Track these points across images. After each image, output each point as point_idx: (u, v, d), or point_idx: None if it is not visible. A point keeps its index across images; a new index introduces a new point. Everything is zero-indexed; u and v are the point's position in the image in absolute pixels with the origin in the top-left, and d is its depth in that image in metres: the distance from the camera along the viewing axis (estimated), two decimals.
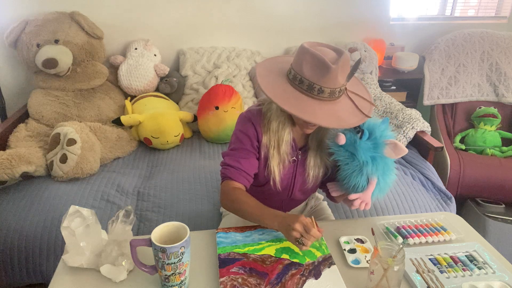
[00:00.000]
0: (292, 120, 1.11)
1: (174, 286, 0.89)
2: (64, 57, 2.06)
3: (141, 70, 2.29)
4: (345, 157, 1.06)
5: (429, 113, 2.64)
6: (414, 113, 2.10)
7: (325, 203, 1.45)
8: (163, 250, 0.83)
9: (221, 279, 0.93)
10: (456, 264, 1.00)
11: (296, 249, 1.03)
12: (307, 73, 0.96)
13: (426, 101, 2.54)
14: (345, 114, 0.99)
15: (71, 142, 1.74)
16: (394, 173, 1.12)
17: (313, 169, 1.15)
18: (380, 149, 1.05)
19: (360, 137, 1.04)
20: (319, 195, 1.47)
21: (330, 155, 1.10)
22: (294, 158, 1.15)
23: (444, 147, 2.22)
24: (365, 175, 1.06)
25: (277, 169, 1.13)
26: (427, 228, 1.14)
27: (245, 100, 2.35)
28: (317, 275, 0.95)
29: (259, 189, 1.22)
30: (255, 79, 2.42)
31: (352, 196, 1.07)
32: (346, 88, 1.03)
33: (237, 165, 1.12)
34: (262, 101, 1.16)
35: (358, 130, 1.04)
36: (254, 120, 1.12)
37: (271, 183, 1.15)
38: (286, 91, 0.99)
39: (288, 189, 1.21)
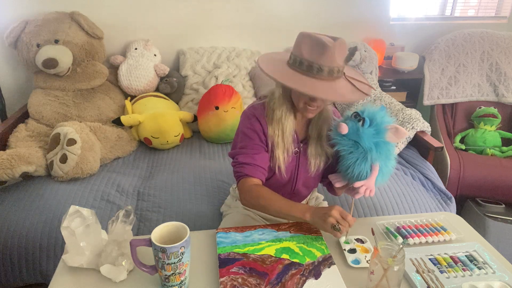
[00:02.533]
0: (294, 108, 1.14)
1: (174, 286, 0.89)
2: (64, 57, 2.06)
3: (141, 70, 2.29)
4: (349, 146, 1.08)
5: (429, 113, 2.64)
6: (414, 113, 2.10)
7: (325, 203, 1.45)
8: (163, 250, 0.83)
9: (221, 279, 0.93)
10: (456, 264, 1.00)
11: (296, 249, 1.03)
12: (306, 54, 1.00)
13: (426, 101, 2.54)
14: (344, 91, 1.03)
15: (71, 142, 1.74)
16: (394, 158, 1.13)
17: (315, 157, 1.18)
18: (382, 135, 1.07)
19: (362, 125, 1.06)
20: (320, 195, 1.47)
21: (332, 146, 1.13)
22: (297, 149, 1.18)
23: (444, 147, 2.23)
24: (369, 162, 1.08)
25: (282, 157, 1.15)
26: (427, 228, 1.14)
27: (245, 100, 2.35)
28: (317, 275, 0.95)
29: (265, 183, 1.23)
30: (255, 79, 2.42)
31: (357, 184, 1.08)
32: (344, 73, 1.06)
33: (252, 162, 1.13)
34: (265, 95, 1.19)
35: (359, 118, 1.07)
36: (258, 115, 1.15)
37: (277, 171, 1.17)
38: (288, 74, 1.03)
39: (292, 182, 1.23)
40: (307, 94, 1.00)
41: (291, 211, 1.06)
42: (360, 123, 1.07)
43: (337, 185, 1.17)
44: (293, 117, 1.14)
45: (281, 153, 1.15)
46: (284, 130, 1.13)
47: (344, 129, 1.06)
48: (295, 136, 1.18)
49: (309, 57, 1.00)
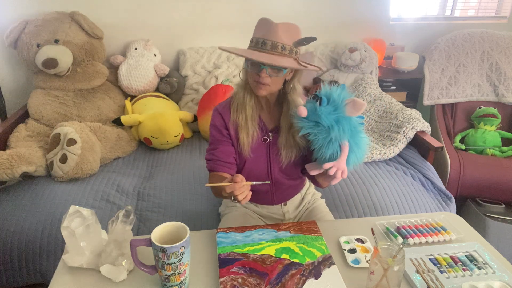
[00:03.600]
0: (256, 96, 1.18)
1: (174, 286, 0.89)
2: (64, 57, 2.06)
3: (141, 70, 2.29)
4: (311, 128, 1.07)
5: (429, 113, 2.64)
6: (414, 113, 2.10)
7: (322, 200, 1.45)
8: (163, 250, 0.83)
9: (221, 279, 0.93)
10: (456, 264, 1.00)
11: (296, 249, 1.03)
12: (256, 34, 1.12)
13: (426, 101, 2.54)
14: (281, 61, 1.07)
15: (71, 142, 1.74)
16: (364, 135, 1.10)
17: (286, 148, 1.20)
18: (341, 110, 1.05)
19: (320, 104, 1.05)
20: (317, 192, 1.47)
21: (302, 135, 1.12)
22: (266, 137, 1.21)
23: (444, 147, 2.22)
24: (336, 142, 1.05)
25: (246, 140, 1.19)
26: (427, 228, 1.14)
27: None
28: (317, 275, 0.95)
29: (242, 173, 1.22)
30: None
31: (326, 165, 1.05)
32: (298, 59, 1.11)
33: (212, 157, 1.22)
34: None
35: (317, 98, 1.07)
36: (221, 109, 1.22)
37: (243, 153, 1.20)
38: (239, 49, 1.15)
39: (267, 170, 1.24)
40: (242, 56, 1.10)
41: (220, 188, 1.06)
42: (318, 102, 1.06)
43: (312, 173, 1.14)
44: (254, 101, 1.19)
45: (245, 136, 1.18)
46: (247, 113, 1.17)
47: (303, 111, 1.05)
48: (263, 124, 1.21)
49: (257, 35, 1.11)
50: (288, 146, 1.20)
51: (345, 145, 1.06)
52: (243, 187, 0.96)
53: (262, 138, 1.22)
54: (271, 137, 1.22)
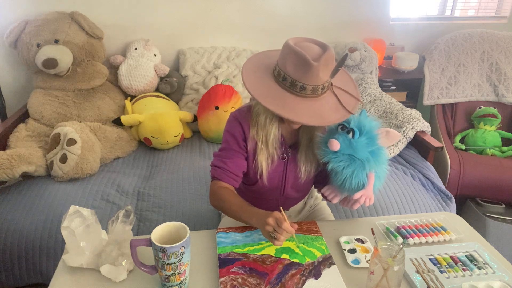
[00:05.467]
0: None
1: (174, 286, 0.89)
2: (64, 57, 2.06)
3: (141, 70, 2.29)
4: (344, 161, 1.04)
5: (429, 113, 2.64)
6: (414, 113, 2.10)
7: (324, 202, 1.45)
8: (163, 250, 0.83)
9: (221, 279, 0.93)
10: (456, 264, 1.00)
11: (296, 249, 1.03)
12: (290, 70, 0.97)
13: (426, 101, 2.54)
14: (328, 111, 1.00)
15: (71, 142, 1.74)
16: (387, 159, 1.10)
17: (305, 163, 1.15)
18: (375, 141, 1.04)
19: (353, 136, 1.02)
20: (318, 195, 1.46)
21: (324, 163, 1.08)
22: (284, 155, 1.15)
23: (444, 147, 2.22)
24: (366, 171, 1.05)
25: (265, 164, 1.13)
26: (427, 228, 1.14)
27: (245, 100, 2.35)
28: (317, 275, 0.95)
29: (252, 188, 1.22)
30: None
31: (357, 195, 1.06)
32: (332, 84, 1.03)
33: (223, 166, 1.13)
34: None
35: (348, 130, 1.03)
36: (242, 119, 1.13)
37: (259, 178, 1.15)
38: (270, 88, 1.00)
39: (280, 186, 1.21)
40: (286, 118, 0.99)
41: (242, 214, 1.05)
42: (350, 135, 1.02)
43: (335, 201, 1.14)
44: (277, 123, 1.10)
45: (264, 159, 1.12)
46: (268, 136, 1.10)
47: (336, 145, 1.01)
48: (283, 140, 1.14)
49: (293, 74, 0.96)
50: (308, 161, 1.15)
51: (372, 173, 1.06)
52: (288, 235, 0.95)
53: (280, 156, 1.15)
54: (289, 154, 1.16)
